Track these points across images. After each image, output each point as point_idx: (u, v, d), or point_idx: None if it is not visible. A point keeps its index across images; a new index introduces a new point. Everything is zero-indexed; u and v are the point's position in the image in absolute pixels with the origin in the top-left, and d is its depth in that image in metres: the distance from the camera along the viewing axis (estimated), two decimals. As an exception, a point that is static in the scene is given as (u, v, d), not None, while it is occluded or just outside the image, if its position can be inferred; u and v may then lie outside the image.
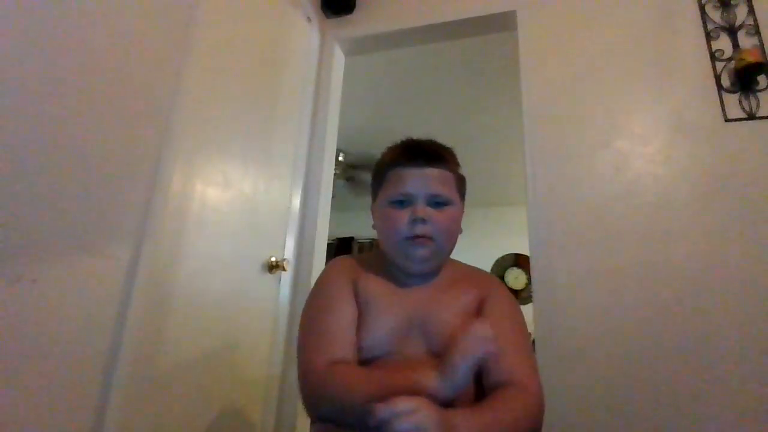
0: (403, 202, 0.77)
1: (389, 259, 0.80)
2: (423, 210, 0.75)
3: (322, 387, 0.65)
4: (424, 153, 0.80)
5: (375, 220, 0.84)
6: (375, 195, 0.85)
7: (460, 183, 0.84)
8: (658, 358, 1.11)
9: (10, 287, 0.66)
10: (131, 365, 0.85)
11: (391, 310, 0.74)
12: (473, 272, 0.85)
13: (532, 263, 1.31)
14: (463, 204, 0.84)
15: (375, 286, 0.77)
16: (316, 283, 0.82)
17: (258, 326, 1.30)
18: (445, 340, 0.70)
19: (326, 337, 0.71)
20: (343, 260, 0.85)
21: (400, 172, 0.79)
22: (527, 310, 1.23)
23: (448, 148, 0.84)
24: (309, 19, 1.75)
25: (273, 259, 1.37)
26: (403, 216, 0.76)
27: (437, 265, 0.80)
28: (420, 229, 0.74)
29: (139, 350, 0.87)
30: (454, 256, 0.84)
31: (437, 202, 0.77)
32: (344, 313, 0.74)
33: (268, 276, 1.36)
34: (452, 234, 0.79)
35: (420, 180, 0.77)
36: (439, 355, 0.69)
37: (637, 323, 1.15)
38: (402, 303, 0.75)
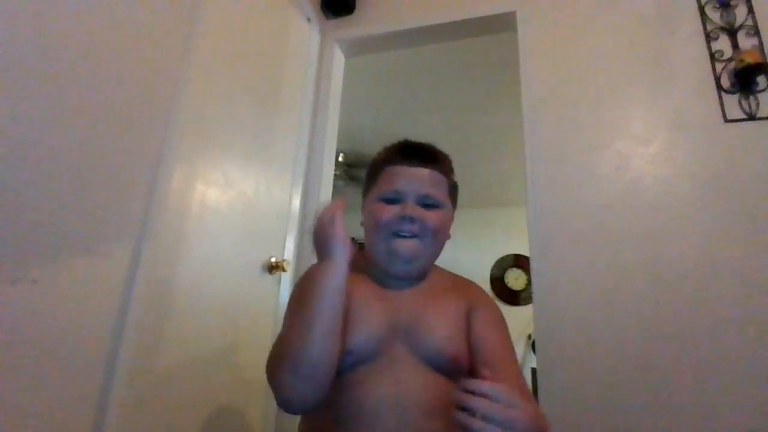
0: (393, 200, 0.76)
1: (373, 260, 0.79)
2: (413, 208, 0.74)
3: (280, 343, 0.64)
4: (419, 153, 0.79)
5: (363, 217, 0.83)
6: (366, 193, 0.84)
7: (453, 189, 0.83)
8: (658, 357, 1.11)
9: (10, 287, 0.66)
10: (131, 365, 0.85)
11: (375, 314, 0.72)
12: (460, 281, 0.84)
13: (532, 263, 1.31)
14: (454, 211, 0.83)
15: (358, 288, 0.75)
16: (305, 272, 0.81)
17: (258, 327, 1.30)
18: (435, 347, 0.69)
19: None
20: None
21: (393, 170, 0.78)
22: (527, 310, 1.23)
23: (444, 153, 0.83)
24: (309, 20, 1.75)
25: (273, 259, 1.37)
26: (392, 210, 0.74)
27: (421, 268, 0.78)
28: (407, 228, 0.73)
29: (139, 350, 0.87)
30: (448, 260, 0.83)
31: (427, 204, 0.76)
32: None
33: (268, 277, 1.36)
34: (440, 237, 0.77)
35: (412, 179, 0.76)
36: (428, 361, 0.68)
37: (637, 323, 1.15)
38: (386, 307, 0.73)
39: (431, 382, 0.67)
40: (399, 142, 0.83)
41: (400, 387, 0.65)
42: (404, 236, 0.73)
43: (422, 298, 0.76)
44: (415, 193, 0.75)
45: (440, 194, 0.78)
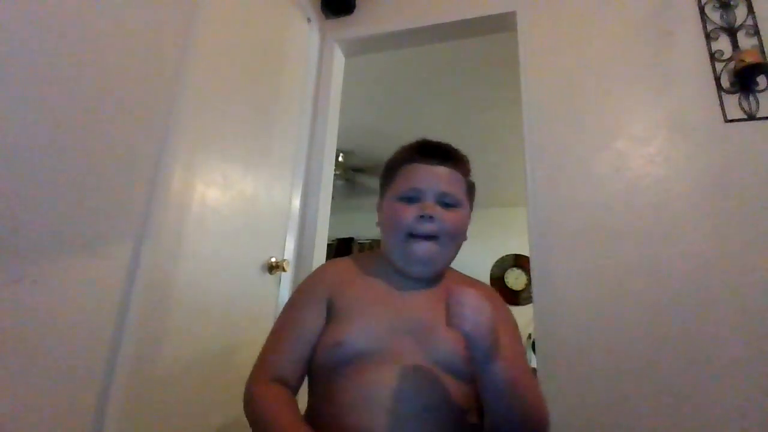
0: (411, 199, 0.75)
1: (388, 259, 0.78)
2: (432, 207, 0.73)
3: (248, 404, 0.69)
4: (438, 152, 0.79)
5: (380, 215, 0.82)
6: (383, 191, 0.83)
7: (470, 189, 0.82)
8: (658, 357, 1.11)
9: (10, 287, 0.66)
10: (131, 365, 0.85)
11: (375, 311, 0.71)
12: (474, 284, 0.83)
13: (532, 264, 1.31)
14: (471, 212, 0.82)
15: (364, 286, 0.75)
16: (299, 286, 0.83)
17: (258, 327, 1.30)
18: (448, 350, 0.68)
19: (277, 349, 0.74)
20: (330, 265, 0.83)
21: (411, 168, 0.77)
22: (527, 310, 1.23)
23: (462, 152, 0.82)
24: (309, 20, 1.75)
25: (273, 259, 1.37)
26: (410, 211, 0.73)
27: (437, 270, 0.77)
28: (426, 228, 0.72)
29: (139, 350, 0.87)
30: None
31: (446, 203, 0.75)
32: (304, 328, 0.73)
33: (268, 277, 1.36)
34: (457, 238, 0.77)
35: (431, 177, 0.75)
36: (441, 363, 0.67)
37: (637, 323, 1.15)
38: (391, 307, 0.72)
39: (439, 380, 0.66)
40: (417, 141, 0.82)
41: (403, 382, 0.64)
42: (422, 238, 0.73)
43: (435, 302, 0.73)
44: (434, 191, 0.75)
45: (459, 193, 0.77)
